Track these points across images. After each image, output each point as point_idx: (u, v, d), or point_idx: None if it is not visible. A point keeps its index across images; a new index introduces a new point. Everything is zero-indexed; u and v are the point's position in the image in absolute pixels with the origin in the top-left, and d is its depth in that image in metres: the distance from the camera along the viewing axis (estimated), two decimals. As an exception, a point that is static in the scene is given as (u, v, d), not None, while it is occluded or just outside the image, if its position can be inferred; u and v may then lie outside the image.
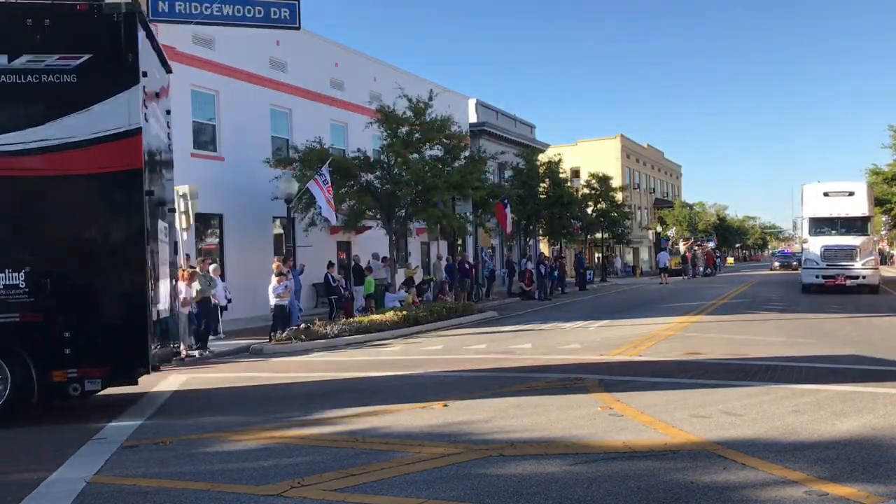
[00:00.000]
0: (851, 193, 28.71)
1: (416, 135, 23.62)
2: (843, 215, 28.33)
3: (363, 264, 24.37)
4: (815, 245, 28.00)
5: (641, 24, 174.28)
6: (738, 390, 9.48)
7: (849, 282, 27.14)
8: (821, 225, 28.59)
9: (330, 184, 20.33)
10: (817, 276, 27.71)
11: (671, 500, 5.42)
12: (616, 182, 50.28)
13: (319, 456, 6.95)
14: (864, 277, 27.40)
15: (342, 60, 29.43)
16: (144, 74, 9.18)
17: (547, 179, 38.12)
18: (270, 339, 16.70)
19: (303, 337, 16.73)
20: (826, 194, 28.74)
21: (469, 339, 17.25)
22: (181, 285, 15.10)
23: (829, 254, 27.50)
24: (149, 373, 9.48)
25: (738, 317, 20.30)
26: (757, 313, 21.19)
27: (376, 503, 5.58)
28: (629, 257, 68.29)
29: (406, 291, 24.47)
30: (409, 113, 23.54)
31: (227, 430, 8.29)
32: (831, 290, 27.01)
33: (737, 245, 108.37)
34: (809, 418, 7.83)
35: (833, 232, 28.38)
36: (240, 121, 23.90)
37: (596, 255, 54.98)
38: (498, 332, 18.63)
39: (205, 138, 23.11)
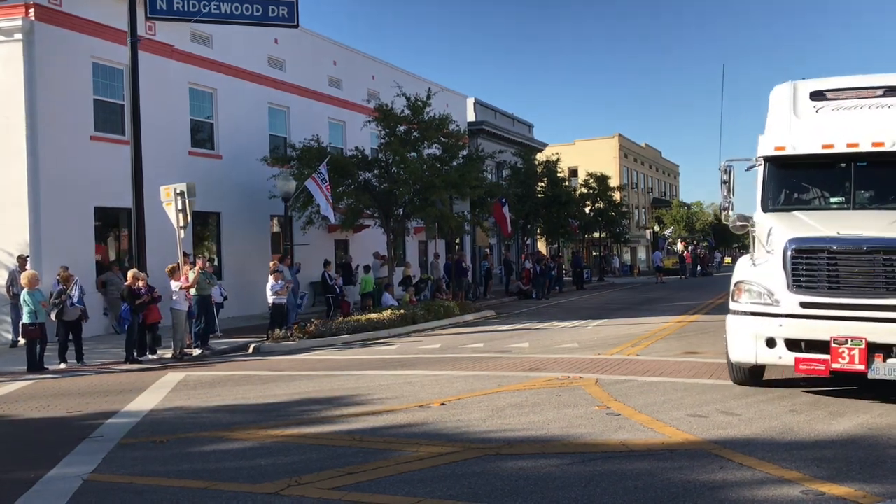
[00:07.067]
0: (893, 91, 10.04)
1: (415, 133, 23.61)
2: (866, 149, 9.32)
3: (353, 264, 24.58)
4: (777, 240, 9.00)
5: (640, 24, 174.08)
6: (735, 389, 9.48)
7: (881, 368, 8.05)
8: (801, 180, 10.32)
9: (328, 182, 20.33)
10: (771, 342, 8.62)
11: (668, 500, 5.43)
12: (614, 181, 50.33)
13: (317, 454, 6.95)
14: None
15: (340, 59, 29.40)
16: None
17: (545, 178, 38.15)
18: (268, 338, 16.68)
19: (300, 335, 16.73)
20: (820, 97, 10.39)
21: (466, 337, 17.25)
22: (172, 282, 15.12)
23: (819, 267, 8.50)
24: None
25: (736, 316, 20.28)
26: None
27: (374, 502, 5.58)
28: (626, 256, 68.36)
29: (404, 290, 24.49)
30: (407, 111, 23.53)
31: (224, 428, 8.29)
32: (813, 384, 9.64)
33: (734, 245, 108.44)
34: (806, 418, 7.84)
35: (834, 200, 9.97)
36: (237, 119, 23.87)
37: (593, 254, 55.01)
38: (495, 331, 18.63)
39: (202, 136, 23.07)
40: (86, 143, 18.84)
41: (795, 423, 7.61)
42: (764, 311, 8.77)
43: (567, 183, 42.63)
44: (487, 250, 36.04)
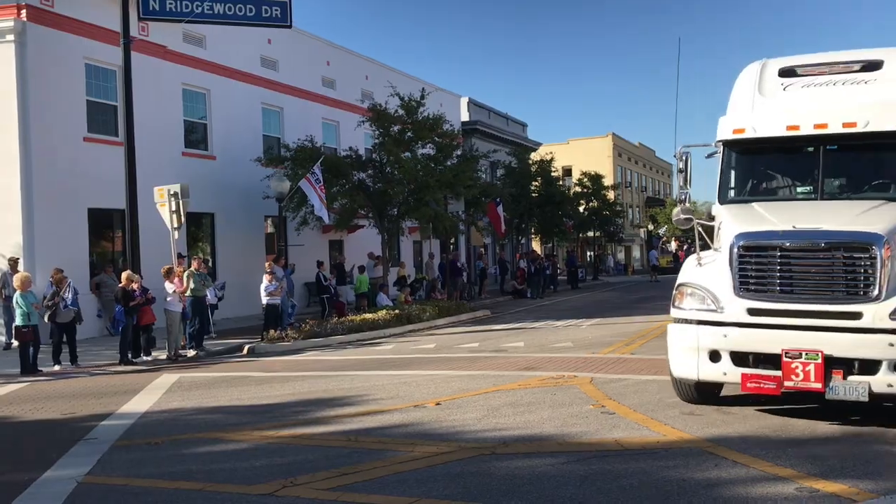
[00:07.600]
0: (872, 65, 8.52)
1: (409, 133, 23.60)
2: (836, 130, 7.96)
3: (347, 264, 24.57)
4: (725, 235, 7.80)
5: (634, 23, 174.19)
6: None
7: (840, 387, 6.84)
8: (765, 167, 8.92)
9: (322, 182, 20.31)
10: (715, 355, 7.51)
11: (663, 498, 5.44)
12: (608, 180, 50.43)
13: (312, 455, 6.94)
14: None
15: (334, 59, 29.37)
16: None
17: (539, 178, 38.21)
18: (262, 339, 16.65)
19: (295, 336, 16.71)
20: (790, 74, 8.88)
21: (461, 337, 17.25)
22: (166, 284, 15.08)
23: (770, 267, 7.33)
24: None
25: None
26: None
27: (369, 502, 5.58)
28: (621, 255, 68.48)
29: (399, 290, 24.49)
30: (400, 111, 23.52)
31: (218, 429, 8.27)
32: (765, 402, 8.23)
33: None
34: (801, 416, 7.86)
35: (801, 189, 8.59)
36: (231, 119, 23.82)
37: (588, 253, 55.08)
38: (490, 330, 18.64)
39: (196, 137, 23.02)
40: (79, 145, 18.78)
41: (790, 421, 7.63)
42: (707, 318, 7.58)
43: (561, 182, 42.73)
44: (482, 250, 36.08)
